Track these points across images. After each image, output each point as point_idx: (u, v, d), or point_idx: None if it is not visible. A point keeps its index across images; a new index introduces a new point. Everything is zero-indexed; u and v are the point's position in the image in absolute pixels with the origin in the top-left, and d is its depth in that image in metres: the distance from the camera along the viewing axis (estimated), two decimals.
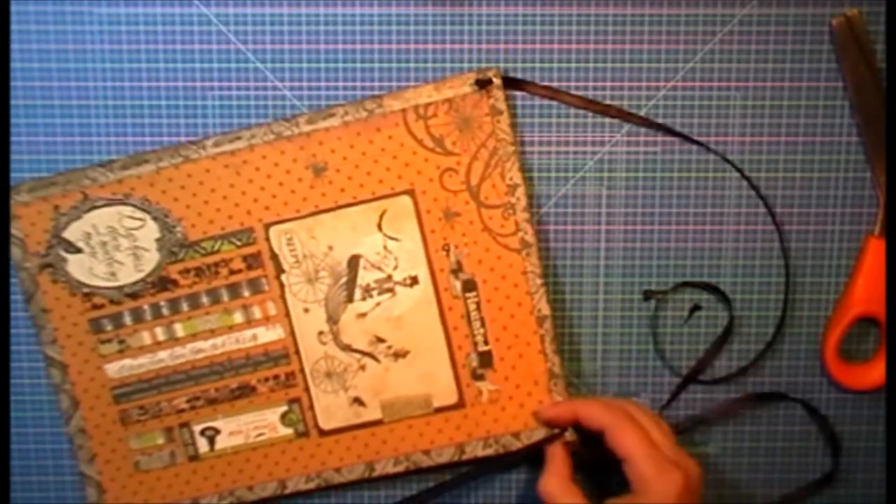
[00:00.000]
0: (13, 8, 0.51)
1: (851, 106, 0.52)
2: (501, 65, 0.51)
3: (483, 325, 0.51)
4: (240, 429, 0.52)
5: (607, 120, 0.52)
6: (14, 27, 0.51)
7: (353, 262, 0.51)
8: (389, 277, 0.51)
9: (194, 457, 0.53)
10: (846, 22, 0.51)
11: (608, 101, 0.52)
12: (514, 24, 0.51)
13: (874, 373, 0.52)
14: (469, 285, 0.51)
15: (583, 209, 0.53)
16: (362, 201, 0.51)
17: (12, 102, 0.51)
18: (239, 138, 0.51)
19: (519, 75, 0.52)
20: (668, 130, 0.52)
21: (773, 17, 0.52)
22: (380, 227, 0.51)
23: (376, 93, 0.52)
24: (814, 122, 0.52)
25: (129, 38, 0.51)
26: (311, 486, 0.52)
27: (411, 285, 0.51)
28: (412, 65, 0.51)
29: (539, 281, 0.51)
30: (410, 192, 0.51)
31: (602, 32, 0.51)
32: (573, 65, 0.52)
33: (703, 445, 0.54)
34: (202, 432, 0.53)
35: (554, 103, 0.52)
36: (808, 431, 0.54)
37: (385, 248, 0.51)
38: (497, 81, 0.50)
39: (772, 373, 0.54)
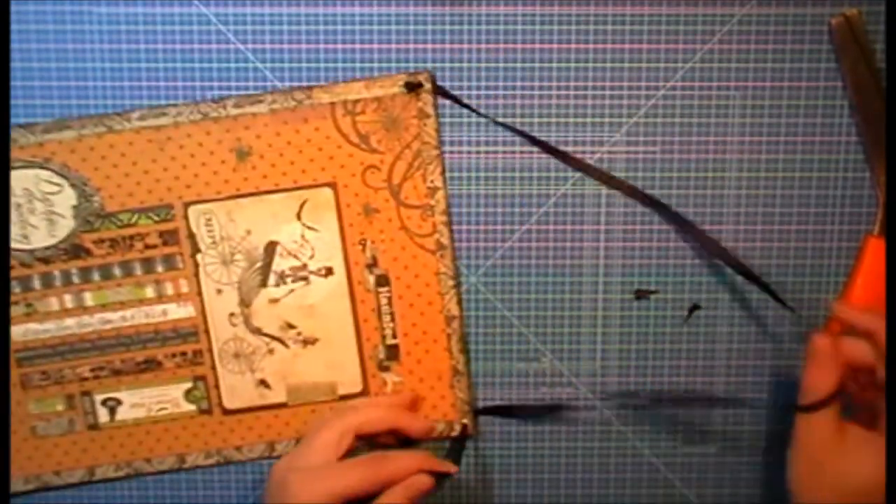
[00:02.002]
0: (13, 8, 0.51)
1: (851, 106, 0.52)
2: (501, 64, 0.52)
3: (393, 319, 0.52)
4: (142, 402, 0.53)
5: (607, 120, 0.52)
6: (14, 27, 0.51)
7: (270, 248, 0.52)
8: (305, 266, 0.52)
9: (94, 426, 0.53)
10: (845, 22, 0.51)
11: (608, 101, 0.52)
12: (514, 24, 0.51)
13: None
14: (382, 280, 0.52)
15: (583, 209, 0.53)
16: (284, 189, 0.51)
17: (12, 102, 0.51)
18: (165, 114, 0.51)
19: (519, 75, 0.52)
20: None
21: (772, 16, 0.52)
22: (299, 217, 0.52)
23: None
24: (813, 122, 0.52)
25: (129, 38, 0.51)
26: (211, 461, 0.53)
27: (326, 276, 0.52)
28: (412, 65, 0.52)
29: (451, 282, 0.52)
30: (332, 185, 0.51)
31: (602, 32, 0.51)
32: (573, 65, 0.52)
33: (703, 445, 0.54)
34: (104, 402, 0.53)
35: (554, 103, 0.52)
36: None
37: (303, 237, 0.52)
38: (427, 86, 0.51)
39: (772, 373, 0.53)
